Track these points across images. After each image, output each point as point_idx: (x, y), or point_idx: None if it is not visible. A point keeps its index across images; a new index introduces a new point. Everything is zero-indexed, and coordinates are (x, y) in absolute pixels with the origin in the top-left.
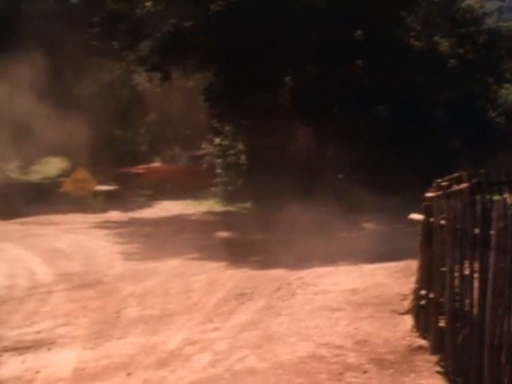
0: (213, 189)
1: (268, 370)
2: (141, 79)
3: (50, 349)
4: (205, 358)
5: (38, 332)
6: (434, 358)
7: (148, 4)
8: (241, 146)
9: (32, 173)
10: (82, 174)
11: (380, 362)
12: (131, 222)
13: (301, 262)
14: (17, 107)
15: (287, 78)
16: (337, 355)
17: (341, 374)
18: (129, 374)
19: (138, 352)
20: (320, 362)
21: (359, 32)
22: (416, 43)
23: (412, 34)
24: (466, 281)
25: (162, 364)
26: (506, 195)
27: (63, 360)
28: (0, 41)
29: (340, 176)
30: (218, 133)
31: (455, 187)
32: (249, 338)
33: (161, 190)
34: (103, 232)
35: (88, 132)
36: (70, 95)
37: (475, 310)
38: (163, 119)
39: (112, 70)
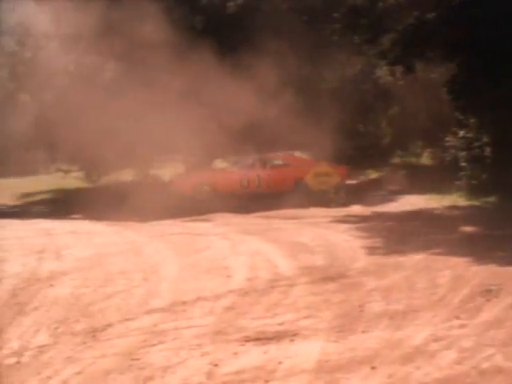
0: (457, 183)
1: None
2: (382, 73)
3: (292, 340)
4: (450, 355)
5: (281, 323)
6: None
7: None
8: (485, 139)
9: None
10: (324, 168)
11: None
12: (374, 217)
13: None
14: (258, 103)
15: None
16: None
17: None
18: (373, 368)
19: (383, 346)
20: None
21: None
22: None
23: None
24: None
25: (406, 359)
26: None
27: (306, 352)
28: (240, 39)
29: None
30: (461, 125)
31: None
32: (495, 335)
33: None
34: (345, 226)
35: (330, 126)
36: (311, 90)
37: None
38: (405, 112)
39: (353, 64)
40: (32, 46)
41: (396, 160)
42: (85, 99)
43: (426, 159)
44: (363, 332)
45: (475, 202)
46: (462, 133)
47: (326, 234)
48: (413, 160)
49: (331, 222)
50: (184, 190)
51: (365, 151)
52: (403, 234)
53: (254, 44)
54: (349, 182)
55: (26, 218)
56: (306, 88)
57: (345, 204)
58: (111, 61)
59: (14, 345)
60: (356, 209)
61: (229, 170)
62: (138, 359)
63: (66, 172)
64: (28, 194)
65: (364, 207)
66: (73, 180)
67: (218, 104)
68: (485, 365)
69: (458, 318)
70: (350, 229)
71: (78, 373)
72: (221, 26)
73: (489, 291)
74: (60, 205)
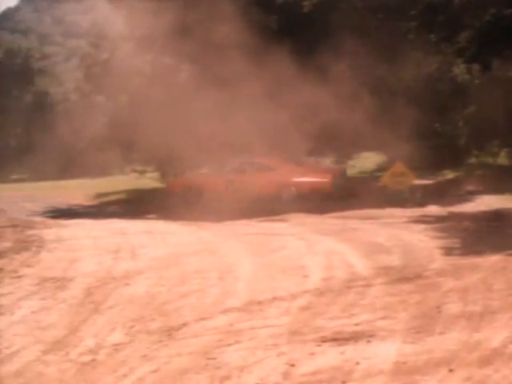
0: None
1: None
2: (459, 71)
3: (369, 341)
4: None
5: (357, 324)
6: None
7: None
8: None
9: (349, 168)
10: (400, 168)
11: None
12: (450, 217)
13: None
14: (333, 103)
15: None
16: None
17: None
18: (451, 371)
19: (460, 348)
20: None
21: None
22: None
23: None
24: None
25: (484, 362)
26: None
27: (383, 353)
28: (315, 39)
29: None
30: None
31: None
32: None
33: None
34: (421, 226)
35: (405, 126)
36: (387, 90)
37: None
38: (482, 111)
39: (429, 62)
40: (107, 47)
41: (472, 160)
42: (160, 100)
43: (502, 159)
44: (440, 333)
45: None
46: None
47: (401, 234)
48: (489, 160)
49: (407, 222)
50: (175, 190)
51: (441, 151)
52: (480, 234)
53: (329, 43)
54: (425, 182)
55: (101, 217)
56: (382, 87)
57: (421, 204)
58: (186, 61)
59: (90, 343)
60: (432, 209)
61: (216, 174)
62: (213, 358)
63: (141, 172)
64: (103, 195)
65: (440, 207)
66: (148, 180)
67: (292, 104)
68: None
69: None
70: (426, 229)
71: (154, 371)
72: (296, 26)
73: None
74: (135, 205)
